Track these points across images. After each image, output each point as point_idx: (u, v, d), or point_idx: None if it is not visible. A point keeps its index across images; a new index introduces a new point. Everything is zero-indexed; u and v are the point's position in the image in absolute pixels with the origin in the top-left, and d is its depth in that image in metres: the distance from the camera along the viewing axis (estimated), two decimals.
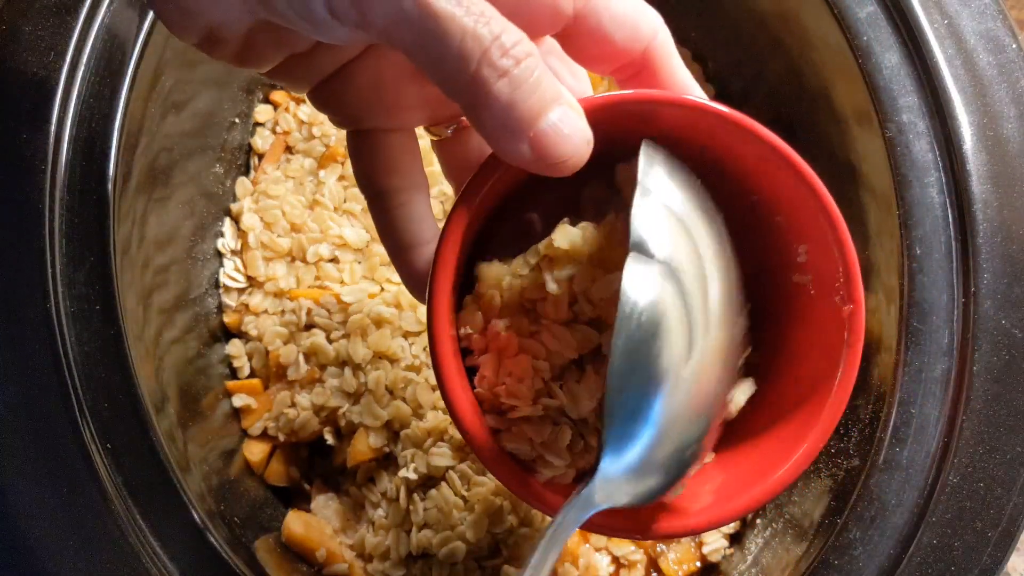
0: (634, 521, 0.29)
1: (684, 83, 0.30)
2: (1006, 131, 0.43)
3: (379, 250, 0.53)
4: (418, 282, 0.33)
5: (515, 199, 0.32)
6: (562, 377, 0.31)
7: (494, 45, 0.24)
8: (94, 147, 0.42)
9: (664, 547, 0.51)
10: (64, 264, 0.41)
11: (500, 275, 0.30)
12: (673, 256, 0.26)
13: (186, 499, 0.41)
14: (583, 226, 0.29)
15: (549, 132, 0.25)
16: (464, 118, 0.33)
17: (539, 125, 0.25)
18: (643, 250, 0.26)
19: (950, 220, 0.43)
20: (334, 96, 0.32)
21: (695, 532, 0.29)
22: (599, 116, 0.27)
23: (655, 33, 0.29)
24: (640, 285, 0.25)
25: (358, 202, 0.54)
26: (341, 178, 0.55)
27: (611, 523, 0.29)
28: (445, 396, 0.28)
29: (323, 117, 0.56)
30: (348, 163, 0.55)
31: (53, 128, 0.42)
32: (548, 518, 0.49)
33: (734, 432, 0.32)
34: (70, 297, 0.41)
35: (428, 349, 0.29)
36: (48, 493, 0.39)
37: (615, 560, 0.51)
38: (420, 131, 0.34)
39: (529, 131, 0.25)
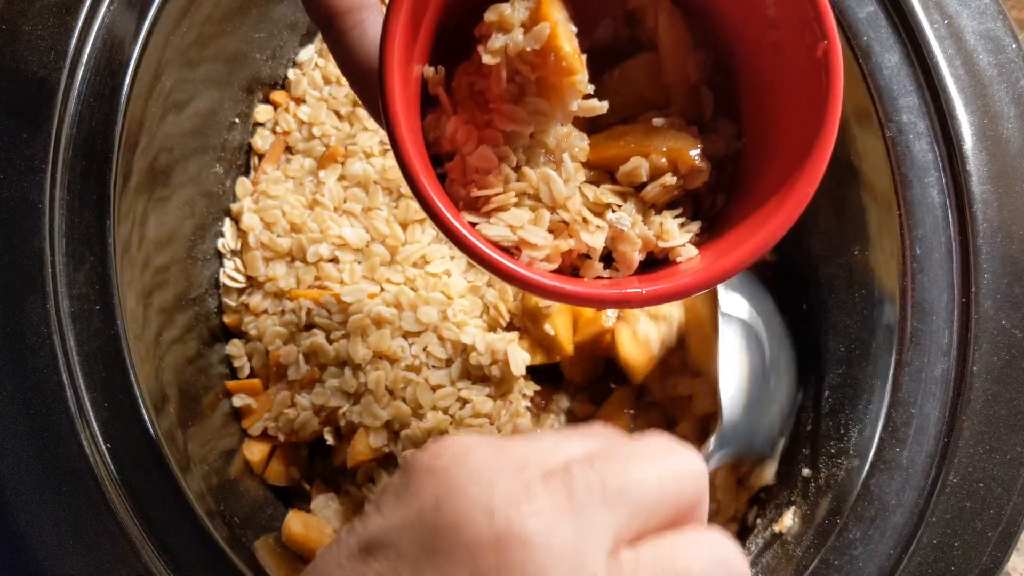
0: (625, 291, 0.29)
1: None
2: (1006, 131, 0.43)
3: (379, 250, 0.53)
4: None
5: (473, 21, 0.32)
6: (531, 163, 0.31)
7: None
8: (94, 147, 0.42)
9: None
10: (64, 264, 0.41)
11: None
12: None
13: (186, 499, 0.41)
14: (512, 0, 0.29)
15: None
16: None
17: None
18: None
19: (950, 220, 0.43)
20: None
21: (687, 292, 0.29)
22: None
23: None
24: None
25: (358, 202, 0.54)
26: (341, 178, 0.55)
27: (605, 295, 0.29)
28: (416, 191, 0.28)
29: (323, 117, 0.56)
30: (348, 163, 0.55)
31: (53, 128, 0.42)
32: None
33: (731, 216, 0.32)
34: (70, 297, 0.41)
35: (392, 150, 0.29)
36: (48, 493, 0.39)
37: None
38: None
39: None
